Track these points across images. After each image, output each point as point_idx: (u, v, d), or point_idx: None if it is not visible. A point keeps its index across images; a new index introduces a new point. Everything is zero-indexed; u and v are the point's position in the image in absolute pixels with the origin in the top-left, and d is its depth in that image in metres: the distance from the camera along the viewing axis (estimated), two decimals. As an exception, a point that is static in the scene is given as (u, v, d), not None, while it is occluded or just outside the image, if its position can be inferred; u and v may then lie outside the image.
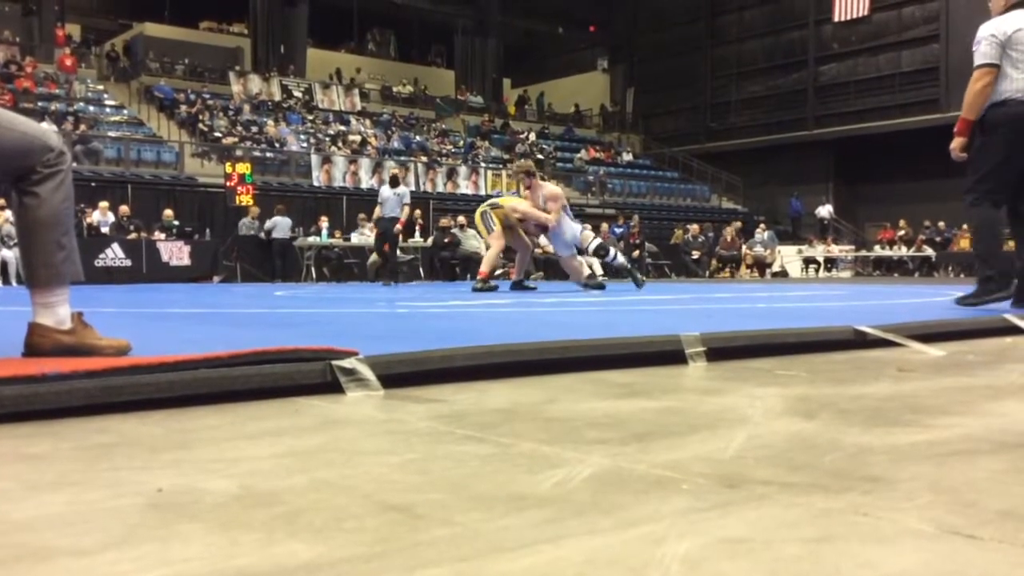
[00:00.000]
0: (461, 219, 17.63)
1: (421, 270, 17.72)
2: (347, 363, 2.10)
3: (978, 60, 4.62)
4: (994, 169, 4.58)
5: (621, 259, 9.89)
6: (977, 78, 4.61)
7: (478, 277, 9.43)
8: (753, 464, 1.35)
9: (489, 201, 9.90)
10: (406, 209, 13.34)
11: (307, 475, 1.29)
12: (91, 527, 1.03)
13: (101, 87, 24.75)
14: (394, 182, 13.40)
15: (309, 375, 2.07)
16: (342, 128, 26.07)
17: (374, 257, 16.98)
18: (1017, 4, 4.67)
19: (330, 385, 2.08)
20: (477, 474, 1.31)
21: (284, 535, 0.99)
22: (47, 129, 2.58)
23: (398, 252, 14.32)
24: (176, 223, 16.67)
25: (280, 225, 16.70)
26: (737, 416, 1.80)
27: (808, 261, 22.87)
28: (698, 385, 2.34)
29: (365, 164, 23.10)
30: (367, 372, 2.11)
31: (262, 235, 16.83)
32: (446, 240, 16.81)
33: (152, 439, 1.59)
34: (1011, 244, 4.83)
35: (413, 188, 23.21)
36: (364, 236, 17.49)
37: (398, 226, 13.30)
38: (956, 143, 4.69)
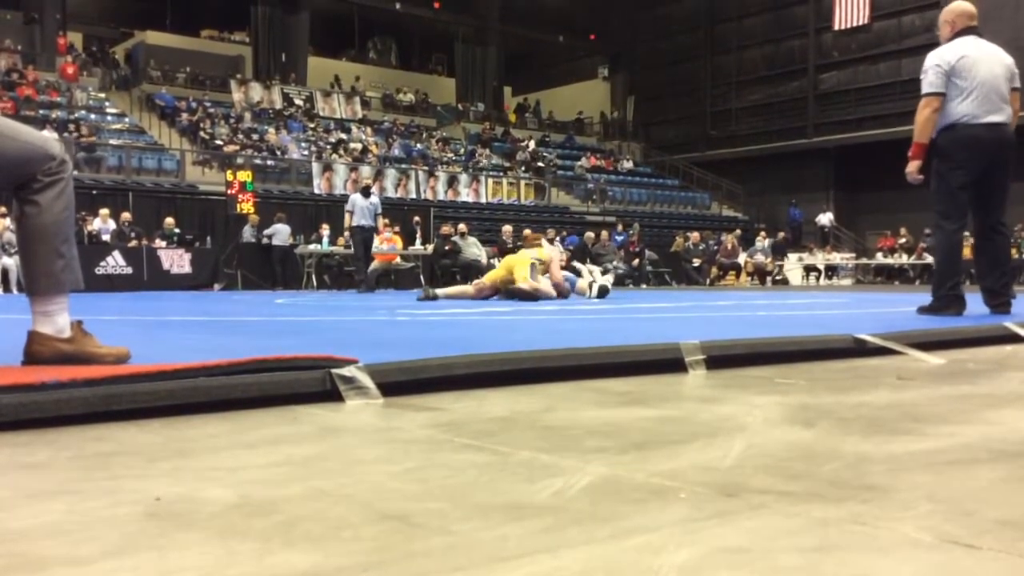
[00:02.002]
0: (462, 227, 17.62)
1: (422, 278, 17.72)
2: (346, 371, 2.10)
3: (925, 88, 4.87)
4: (950, 190, 4.82)
5: (603, 280, 10.07)
6: (924, 105, 4.87)
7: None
8: (751, 473, 1.35)
9: (535, 256, 9.59)
10: (379, 219, 13.62)
11: (305, 484, 1.29)
12: (89, 536, 1.03)
13: (103, 95, 24.80)
14: (366, 192, 13.62)
15: (308, 383, 2.07)
16: (343, 136, 26.09)
17: (375, 264, 16.99)
18: (963, 31, 4.92)
19: (329, 393, 2.08)
20: (475, 483, 1.31)
21: (281, 544, 0.99)
22: (48, 138, 2.58)
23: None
24: (177, 231, 16.68)
25: (280, 232, 16.71)
26: (736, 424, 1.79)
27: (808, 269, 22.85)
28: (697, 393, 2.33)
29: (366, 172, 23.10)
30: (366, 380, 2.11)
31: (264, 240, 16.85)
32: (447, 248, 16.79)
33: (151, 447, 1.59)
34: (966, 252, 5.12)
35: (414, 196, 23.26)
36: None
37: (378, 235, 13.62)
38: (911, 166, 4.93)
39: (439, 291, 9.44)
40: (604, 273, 12.31)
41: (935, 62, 4.85)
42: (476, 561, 0.94)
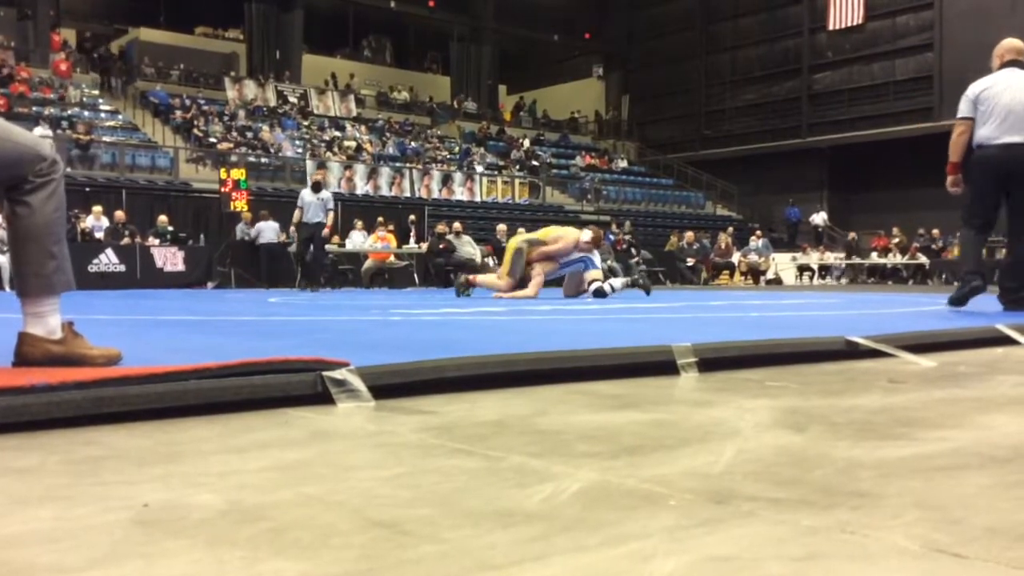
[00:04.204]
0: (457, 225, 17.64)
1: (416, 276, 17.72)
2: (338, 374, 2.10)
3: (958, 114, 5.71)
4: (975, 199, 5.59)
5: (618, 284, 9.58)
6: (954, 128, 5.72)
7: (467, 281, 9.51)
8: (741, 479, 1.35)
9: (528, 236, 9.64)
10: (330, 215, 13.57)
11: (295, 490, 1.29)
12: (76, 543, 1.02)
13: (96, 92, 24.74)
14: (316, 187, 13.62)
15: (299, 386, 2.07)
16: (337, 134, 26.07)
17: (369, 262, 16.97)
18: (1008, 64, 5.64)
19: (320, 396, 2.08)
20: (466, 489, 1.30)
21: (269, 552, 0.99)
22: (40, 139, 2.58)
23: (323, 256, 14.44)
24: (170, 229, 16.62)
25: (265, 231, 16.48)
26: (727, 429, 1.80)
27: (802, 269, 22.89)
28: (689, 397, 2.34)
29: (360, 170, 23.10)
30: (358, 383, 2.11)
31: (247, 239, 16.73)
32: (441, 246, 16.80)
33: (140, 452, 1.58)
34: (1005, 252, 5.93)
35: (408, 194, 23.25)
36: (356, 242, 17.53)
37: (325, 231, 13.62)
38: (948, 181, 5.73)
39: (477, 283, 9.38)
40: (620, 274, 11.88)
41: (966, 92, 5.67)
42: (465, 570, 0.94)
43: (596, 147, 33.34)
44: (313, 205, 13.26)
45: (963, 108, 5.64)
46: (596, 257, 9.32)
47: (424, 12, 33.02)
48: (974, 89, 5.65)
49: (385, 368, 2.22)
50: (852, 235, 23.43)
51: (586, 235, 9.21)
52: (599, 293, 8.93)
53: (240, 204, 17.45)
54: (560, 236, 9.28)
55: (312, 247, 13.61)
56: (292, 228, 14.20)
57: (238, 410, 1.96)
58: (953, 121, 5.72)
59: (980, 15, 24.60)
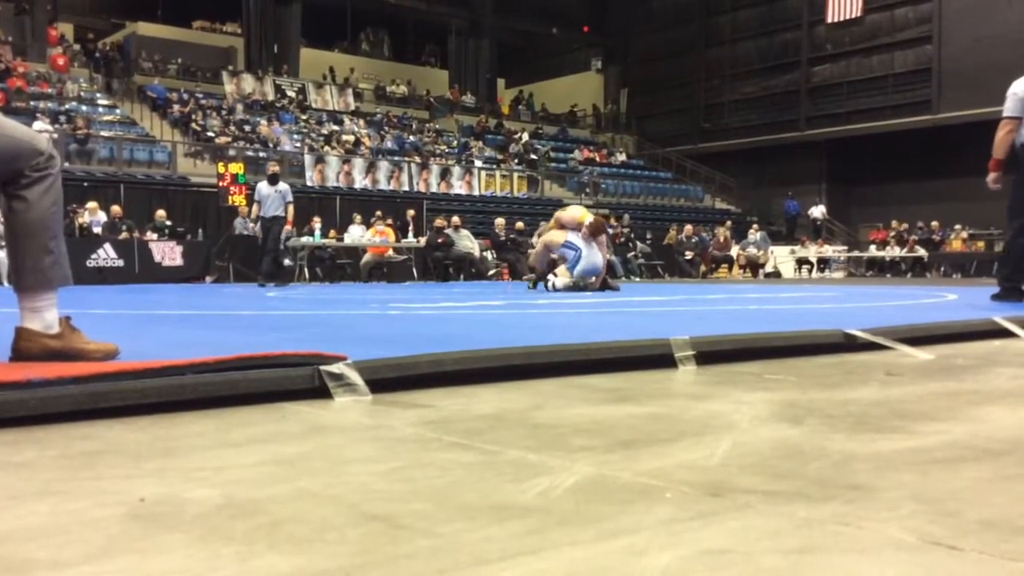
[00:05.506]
0: (455, 219, 17.61)
1: (414, 270, 17.70)
2: (335, 368, 2.10)
3: (1004, 112, 5.75)
4: (1019, 195, 5.68)
5: (560, 284, 9.23)
6: (1001, 127, 5.75)
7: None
8: (737, 472, 1.35)
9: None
10: (290, 208, 13.15)
11: (291, 484, 1.29)
12: (72, 538, 1.02)
13: (94, 87, 24.68)
14: (273, 179, 13.18)
15: (296, 381, 2.07)
16: (335, 128, 26.01)
17: (367, 256, 16.95)
18: None
19: (318, 390, 2.08)
20: (462, 483, 1.31)
21: (264, 547, 0.99)
22: (36, 133, 2.57)
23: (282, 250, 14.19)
24: (168, 223, 16.59)
25: None
26: (724, 422, 1.80)
27: (801, 262, 22.87)
28: (686, 390, 2.34)
29: (359, 164, 23.05)
30: (355, 377, 2.11)
31: (246, 232, 16.67)
32: (439, 240, 16.78)
33: (137, 446, 1.58)
34: None
35: (407, 188, 23.21)
36: (355, 236, 17.51)
37: (287, 226, 13.27)
38: (989, 177, 5.83)
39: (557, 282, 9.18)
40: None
41: (1013, 90, 5.73)
42: (460, 564, 0.94)
43: (595, 140, 33.27)
44: (271, 198, 12.82)
45: (1010, 107, 5.72)
46: (597, 255, 9.05)
47: (422, 5, 32.92)
48: (1022, 86, 5.71)
49: (382, 362, 2.22)
50: (904, 225, 22.91)
51: (588, 219, 9.35)
52: (545, 284, 9.11)
53: (238, 198, 17.42)
54: (570, 208, 10.09)
55: (274, 241, 13.34)
56: (252, 224, 13.96)
57: (235, 404, 1.96)
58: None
59: (979, 8, 24.56)
